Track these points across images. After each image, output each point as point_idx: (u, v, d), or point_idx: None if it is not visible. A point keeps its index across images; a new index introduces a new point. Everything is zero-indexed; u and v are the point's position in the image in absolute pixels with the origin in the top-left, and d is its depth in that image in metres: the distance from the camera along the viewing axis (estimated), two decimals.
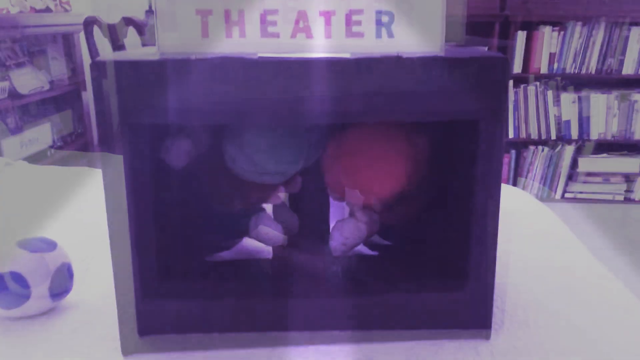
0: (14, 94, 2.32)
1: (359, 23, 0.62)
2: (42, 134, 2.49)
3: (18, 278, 0.73)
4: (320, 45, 0.63)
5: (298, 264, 0.83)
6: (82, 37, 2.69)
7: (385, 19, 0.62)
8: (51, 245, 0.78)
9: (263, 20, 0.62)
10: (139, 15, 2.97)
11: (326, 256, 0.84)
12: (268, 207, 0.89)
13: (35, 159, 2.40)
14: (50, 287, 0.75)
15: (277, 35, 0.62)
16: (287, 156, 0.77)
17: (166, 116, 0.61)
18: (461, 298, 0.70)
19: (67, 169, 1.53)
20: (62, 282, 0.77)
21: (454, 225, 0.73)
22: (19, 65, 2.44)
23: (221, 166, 0.78)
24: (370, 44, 0.62)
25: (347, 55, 0.62)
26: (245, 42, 0.62)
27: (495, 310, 0.76)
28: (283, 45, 0.62)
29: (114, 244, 0.66)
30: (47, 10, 2.49)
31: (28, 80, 2.43)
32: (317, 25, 0.62)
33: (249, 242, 0.92)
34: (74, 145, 2.74)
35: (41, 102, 2.58)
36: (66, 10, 2.64)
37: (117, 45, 2.58)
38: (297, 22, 0.62)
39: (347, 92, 0.61)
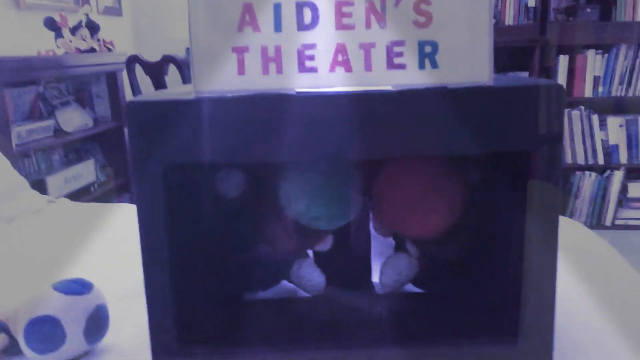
0: (59, 132, 2.38)
1: (400, 54, 0.59)
2: (86, 170, 2.53)
3: (53, 322, 0.71)
4: (360, 79, 0.60)
5: (340, 307, 0.79)
6: (125, 75, 2.76)
7: (428, 49, 0.59)
8: (87, 287, 0.76)
9: (300, 55, 0.60)
10: (180, 52, 3.03)
11: (370, 297, 0.81)
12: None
13: (79, 195, 2.44)
14: (85, 331, 0.74)
15: (315, 70, 0.60)
16: (343, 205, 0.74)
17: (203, 155, 0.60)
18: (515, 354, 0.64)
19: (108, 206, 1.54)
20: (97, 325, 0.75)
21: (506, 267, 0.68)
22: (64, 104, 2.51)
23: (272, 206, 0.76)
24: (413, 76, 0.59)
25: (388, 88, 0.59)
26: (283, 78, 0.60)
27: (554, 354, 0.70)
28: (321, 80, 0.60)
29: (149, 286, 0.64)
30: (92, 50, 2.57)
31: (73, 119, 2.49)
32: (357, 58, 0.60)
33: (286, 283, 0.88)
34: (117, 181, 2.79)
35: (85, 139, 2.65)
36: (109, 50, 2.72)
37: (159, 83, 2.64)
38: (335, 55, 0.60)
39: (391, 126, 0.58)
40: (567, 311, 0.82)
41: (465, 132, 0.57)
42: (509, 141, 0.57)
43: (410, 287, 0.84)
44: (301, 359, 0.68)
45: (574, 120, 2.96)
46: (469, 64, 0.59)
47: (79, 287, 0.76)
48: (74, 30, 2.52)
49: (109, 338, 0.79)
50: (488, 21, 0.58)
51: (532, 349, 0.63)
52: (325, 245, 0.81)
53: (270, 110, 0.59)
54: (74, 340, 0.73)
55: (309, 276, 0.79)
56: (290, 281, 0.84)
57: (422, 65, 0.59)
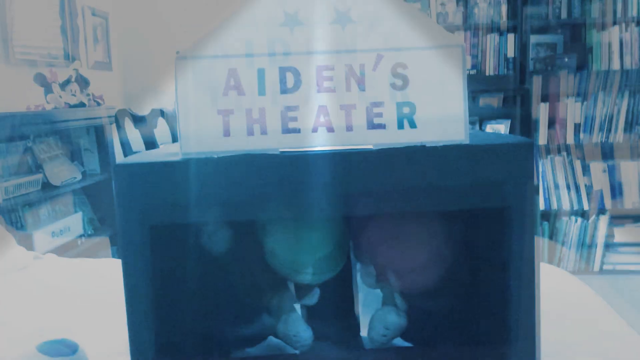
0: (46, 186, 2.38)
1: (380, 115, 0.62)
2: (73, 224, 2.52)
3: None
4: (342, 138, 0.62)
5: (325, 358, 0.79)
6: (114, 129, 2.79)
7: (406, 110, 0.61)
8: (72, 349, 0.76)
9: (284, 117, 0.62)
10: (169, 106, 3.08)
11: (359, 352, 0.80)
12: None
13: (66, 248, 2.42)
14: None
15: (298, 131, 0.62)
16: (328, 258, 0.74)
17: (189, 215, 0.61)
18: None
19: (94, 261, 1.53)
20: None
21: (491, 318, 0.69)
22: (53, 158, 2.52)
23: (258, 260, 0.76)
24: (392, 135, 0.62)
25: (369, 147, 0.61)
26: (267, 138, 0.62)
27: None
28: (304, 140, 0.62)
29: (134, 345, 0.64)
30: (81, 105, 2.60)
31: (61, 172, 2.50)
32: (339, 119, 0.62)
33: (273, 339, 0.88)
34: (105, 233, 2.77)
35: (73, 192, 2.64)
36: (99, 104, 2.75)
37: (148, 136, 2.66)
38: (317, 116, 0.62)
39: (372, 183, 0.60)
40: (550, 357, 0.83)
41: (443, 188, 0.59)
42: (486, 197, 0.59)
43: (399, 341, 0.84)
44: None
45: (557, 166, 3.02)
46: (446, 123, 0.61)
47: (64, 349, 0.75)
48: (63, 86, 2.56)
49: None
50: (462, 81, 0.61)
51: None
52: (312, 299, 0.81)
53: (255, 170, 0.60)
54: None
55: (296, 331, 0.78)
56: (276, 337, 0.83)
57: (400, 125, 0.62)
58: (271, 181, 0.60)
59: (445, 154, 0.59)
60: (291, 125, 0.62)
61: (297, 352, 0.84)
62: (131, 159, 0.62)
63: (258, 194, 0.60)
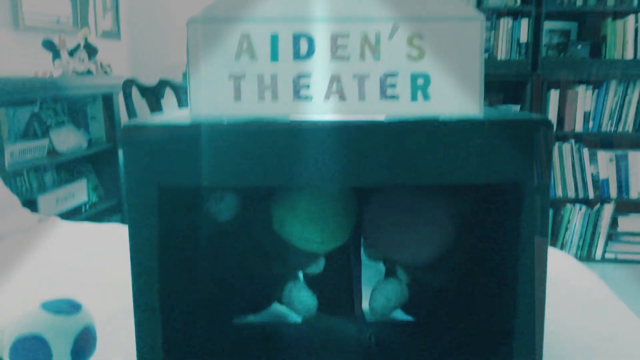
0: (52, 152, 2.38)
1: (393, 86, 0.61)
2: (78, 191, 2.53)
3: (40, 341, 0.71)
4: (353, 108, 0.61)
5: (329, 333, 0.79)
6: (121, 98, 2.78)
7: (420, 81, 0.61)
8: (76, 307, 0.76)
9: (296, 84, 0.61)
10: (177, 77, 3.07)
11: (360, 324, 0.81)
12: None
13: (70, 215, 2.43)
14: (72, 351, 0.73)
15: (309, 98, 0.61)
16: (336, 227, 0.74)
17: (197, 179, 0.60)
18: None
19: (99, 226, 1.54)
20: (85, 345, 0.75)
21: (497, 294, 0.69)
22: (59, 124, 2.52)
23: (265, 228, 0.77)
24: (405, 107, 0.61)
25: (381, 118, 0.60)
26: (278, 105, 0.61)
27: None
28: (316, 108, 0.61)
29: (139, 308, 0.64)
30: (89, 73, 2.59)
31: (67, 139, 2.50)
32: (351, 88, 0.61)
33: (277, 305, 0.88)
34: (109, 201, 2.78)
35: (79, 160, 2.65)
36: (107, 73, 2.74)
37: (155, 106, 2.66)
38: (330, 85, 0.61)
39: (383, 155, 0.59)
40: (554, 341, 0.83)
41: (455, 163, 0.58)
42: (498, 173, 0.59)
43: (400, 315, 0.84)
44: None
45: (565, 153, 3.00)
46: (460, 96, 0.60)
47: (68, 307, 0.75)
48: (72, 53, 2.54)
49: (96, 359, 0.78)
50: (479, 55, 0.60)
51: None
52: (318, 267, 0.81)
53: (265, 136, 0.60)
54: None
55: (302, 298, 0.79)
56: (282, 303, 0.84)
57: (414, 97, 0.61)
58: (280, 148, 0.60)
59: (458, 128, 0.58)
60: (303, 92, 0.61)
61: (299, 320, 0.85)
62: (140, 120, 0.62)
63: (266, 161, 0.59)
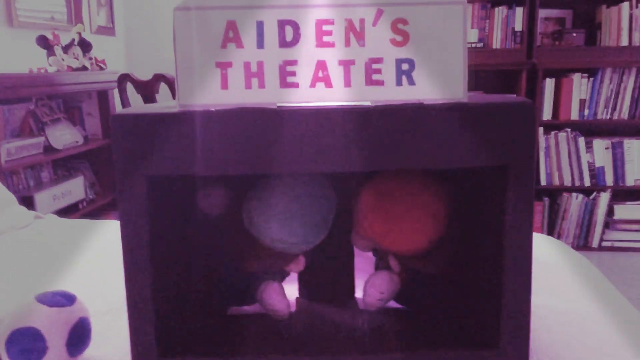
0: (48, 149, 2.38)
1: (378, 71, 0.61)
2: (75, 187, 2.53)
3: (35, 334, 0.71)
4: (339, 94, 0.62)
5: (323, 321, 0.80)
6: (116, 93, 2.78)
7: (405, 66, 0.61)
8: (70, 300, 0.76)
9: (282, 71, 0.61)
10: (171, 71, 3.06)
11: (353, 312, 0.81)
12: None
13: (67, 212, 2.43)
14: (67, 343, 0.73)
15: (296, 85, 0.62)
16: (305, 229, 0.73)
17: (185, 168, 0.61)
18: (495, 356, 0.66)
19: (94, 222, 1.54)
20: (80, 337, 0.75)
21: (484, 279, 0.70)
22: (55, 121, 2.52)
23: (241, 224, 0.76)
24: (390, 92, 0.61)
25: (367, 104, 0.61)
26: (265, 92, 0.62)
27: None
28: (302, 95, 0.62)
29: (131, 299, 0.65)
30: (83, 68, 2.59)
31: (63, 136, 2.50)
32: (337, 75, 0.62)
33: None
34: (106, 198, 2.78)
35: (75, 156, 2.65)
36: (101, 69, 2.74)
37: (150, 101, 2.65)
38: (316, 72, 0.61)
39: (369, 140, 0.59)
40: (549, 327, 0.83)
41: (440, 147, 0.59)
42: (483, 156, 0.59)
43: (392, 303, 0.85)
44: None
45: (561, 142, 3.00)
46: (445, 80, 0.61)
47: (62, 300, 0.76)
48: (66, 49, 2.54)
49: (91, 351, 0.79)
50: (462, 39, 0.61)
51: (510, 357, 0.64)
52: (298, 266, 0.80)
53: (252, 124, 0.60)
54: (56, 353, 0.73)
55: (271, 301, 0.77)
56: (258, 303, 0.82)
57: (399, 82, 0.61)
58: (268, 136, 0.60)
59: (443, 112, 0.58)
60: (289, 79, 0.61)
61: (292, 310, 0.85)
62: (129, 110, 0.62)
63: (254, 148, 0.60)
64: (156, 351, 0.66)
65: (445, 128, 0.59)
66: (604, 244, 3.02)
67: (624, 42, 2.90)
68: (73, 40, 2.58)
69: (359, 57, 0.61)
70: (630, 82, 2.93)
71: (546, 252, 1.19)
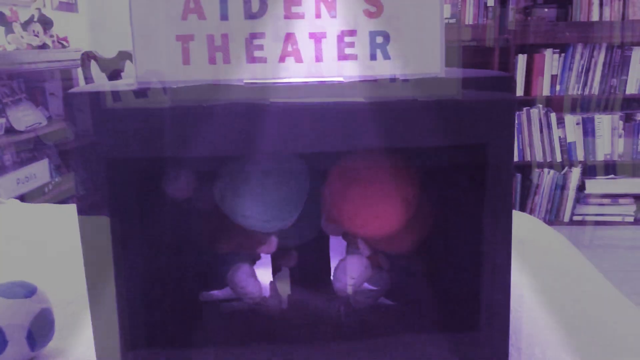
0: (10, 131, 2.29)
1: (351, 45, 0.58)
2: (39, 170, 2.45)
3: None
4: (310, 70, 0.58)
5: (298, 305, 0.77)
6: (79, 72, 2.68)
7: (380, 39, 0.58)
8: (30, 290, 0.72)
9: (248, 45, 0.57)
10: None
11: (327, 295, 0.79)
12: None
13: (33, 195, 2.35)
14: (28, 336, 0.70)
15: (264, 60, 0.58)
16: (279, 206, 0.70)
17: (144, 148, 0.57)
18: (475, 338, 0.64)
19: (59, 207, 1.48)
20: (41, 329, 0.71)
21: (464, 259, 0.68)
22: (16, 102, 2.42)
23: (211, 204, 0.73)
24: (365, 67, 0.58)
25: (340, 79, 0.57)
26: (231, 68, 0.58)
27: (511, 349, 0.70)
28: (271, 71, 0.58)
29: (93, 288, 0.61)
30: (44, 46, 2.48)
31: (25, 117, 2.40)
32: (307, 49, 0.58)
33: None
34: (72, 180, 2.70)
35: (38, 138, 2.56)
36: (64, 47, 2.63)
37: (115, 79, 2.57)
38: (285, 45, 0.58)
39: (340, 117, 0.56)
40: (526, 305, 0.83)
41: (415, 125, 0.56)
42: (461, 133, 0.56)
43: (367, 286, 0.83)
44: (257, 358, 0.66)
45: (533, 118, 3.02)
46: (421, 55, 0.58)
47: (22, 290, 0.72)
48: (25, 26, 2.43)
49: (55, 343, 0.75)
50: (439, 12, 0.57)
51: (489, 338, 0.63)
52: (270, 248, 0.78)
53: (217, 102, 0.56)
54: (16, 347, 0.69)
55: (242, 283, 0.75)
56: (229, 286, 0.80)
57: (373, 56, 0.58)
58: (233, 114, 0.56)
59: (419, 87, 0.55)
60: (257, 54, 0.57)
61: (266, 296, 0.83)
62: (84, 87, 0.58)
63: (219, 129, 0.56)
64: (121, 343, 0.63)
65: (422, 104, 0.56)
66: (575, 218, 3.07)
67: (595, 17, 2.91)
68: (32, 16, 2.47)
69: (330, 29, 0.57)
70: (600, 58, 2.94)
71: (522, 229, 1.18)
